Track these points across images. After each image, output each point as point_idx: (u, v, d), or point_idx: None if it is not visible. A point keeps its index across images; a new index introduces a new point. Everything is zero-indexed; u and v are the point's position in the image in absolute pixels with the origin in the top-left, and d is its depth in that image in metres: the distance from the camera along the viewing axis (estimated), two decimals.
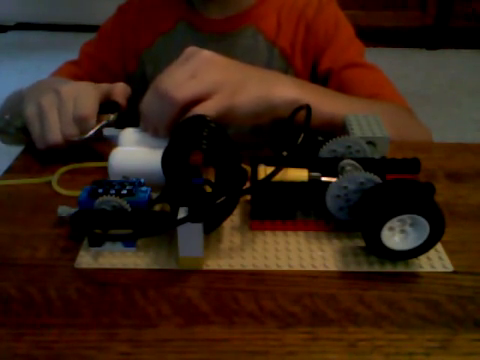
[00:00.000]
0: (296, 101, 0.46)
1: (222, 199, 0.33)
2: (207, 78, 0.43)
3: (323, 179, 0.38)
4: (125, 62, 0.71)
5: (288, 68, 0.67)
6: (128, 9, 0.73)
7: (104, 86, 0.52)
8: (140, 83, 0.68)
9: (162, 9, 0.70)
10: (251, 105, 0.45)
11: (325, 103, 0.50)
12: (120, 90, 0.52)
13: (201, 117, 0.39)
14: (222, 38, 0.67)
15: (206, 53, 0.45)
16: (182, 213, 0.33)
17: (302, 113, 0.42)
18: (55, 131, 0.48)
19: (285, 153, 0.39)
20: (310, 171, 0.39)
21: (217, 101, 0.43)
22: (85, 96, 0.48)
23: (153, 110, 0.44)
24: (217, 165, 0.37)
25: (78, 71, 0.68)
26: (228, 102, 0.44)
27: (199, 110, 0.42)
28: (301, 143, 0.38)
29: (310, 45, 0.66)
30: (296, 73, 0.67)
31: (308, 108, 0.41)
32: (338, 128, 0.47)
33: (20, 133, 0.51)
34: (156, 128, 0.44)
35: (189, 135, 0.37)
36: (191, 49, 0.45)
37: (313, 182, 0.38)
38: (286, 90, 0.47)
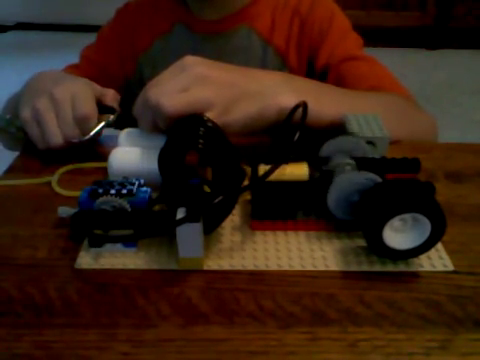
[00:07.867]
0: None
1: (220, 198, 0.33)
2: (199, 94, 0.42)
3: (324, 168, 0.38)
4: (124, 65, 0.71)
5: (283, 66, 0.67)
6: (125, 12, 0.73)
7: (96, 87, 0.52)
8: (138, 86, 0.68)
9: (159, 12, 0.70)
10: (244, 122, 0.44)
11: (325, 105, 0.48)
12: (111, 97, 0.52)
13: (197, 116, 0.38)
14: (217, 39, 0.67)
15: (202, 69, 0.43)
16: (180, 213, 0.33)
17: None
18: (55, 134, 0.48)
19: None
20: (310, 165, 0.39)
21: None
22: (83, 95, 0.48)
23: (145, 119, 0.43)
24: (214, 164, 0.37)
25: (79, 75, 0.68)
26: (219, 121, 0.42)
27: None
28: (298, 142, 0.38)
29: (305, 41, 0.66)
30: (291, 71, 0.67)
31: (304, 106, 0.41)
32: (341, 128, 0.46)
33: (21, 132, 0.52)
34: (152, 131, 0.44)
35: (185, 134, 0.37)
36: (188, 60, 0.44)
37: (314, 182, 0.38)
38: (284, 100, 0.45)
